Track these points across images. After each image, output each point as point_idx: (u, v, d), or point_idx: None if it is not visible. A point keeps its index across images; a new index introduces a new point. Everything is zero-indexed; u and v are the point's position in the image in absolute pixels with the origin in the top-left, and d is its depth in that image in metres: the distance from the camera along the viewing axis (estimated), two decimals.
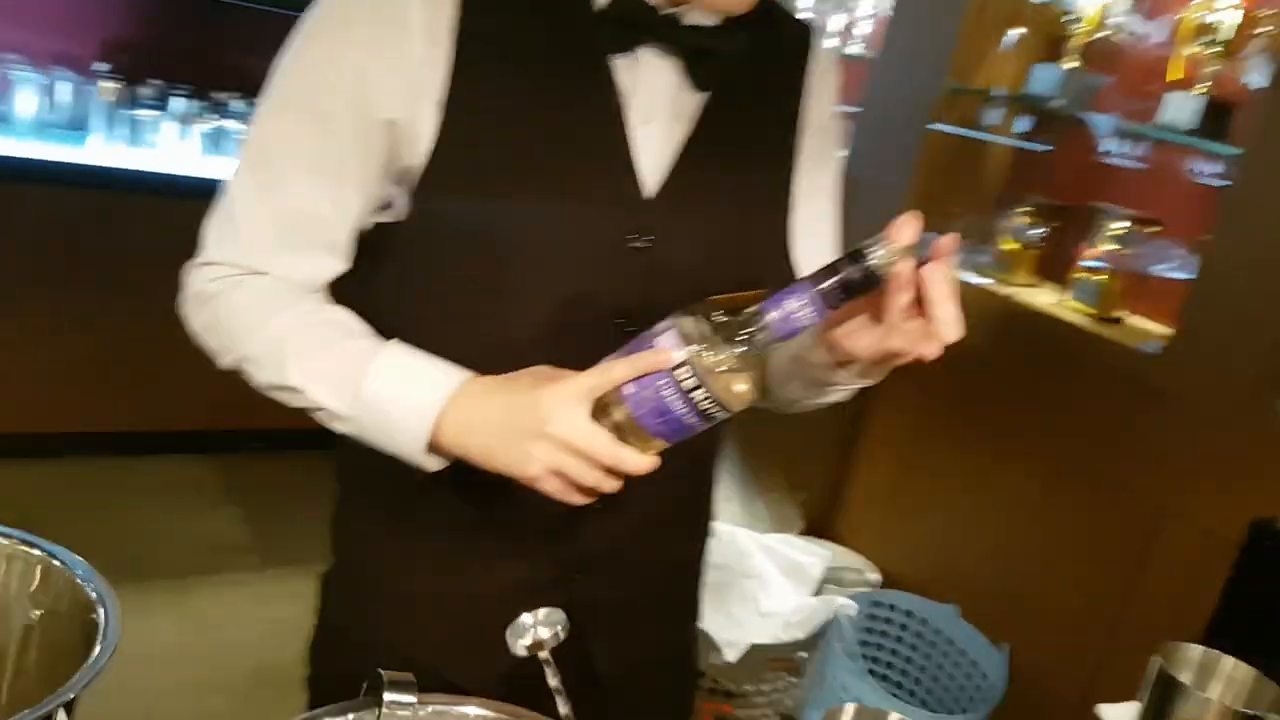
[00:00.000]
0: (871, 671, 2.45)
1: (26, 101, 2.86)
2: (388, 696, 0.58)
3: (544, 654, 0.59)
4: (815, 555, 2.46)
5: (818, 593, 2.41)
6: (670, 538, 1.10)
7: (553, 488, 0.82)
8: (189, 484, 3.19)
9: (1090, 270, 2.33)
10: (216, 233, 0.93)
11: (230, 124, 3.11)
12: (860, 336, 0.84)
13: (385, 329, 0.92)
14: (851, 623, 2.25)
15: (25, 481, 2.96)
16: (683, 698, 1.24)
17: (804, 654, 2.32)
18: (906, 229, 0.78)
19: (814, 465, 2.74)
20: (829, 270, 0.78)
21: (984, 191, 2.66)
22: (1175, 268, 2.28)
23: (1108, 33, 2.44)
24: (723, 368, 0.78)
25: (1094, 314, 2.28)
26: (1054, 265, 2.50)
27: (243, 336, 0.91)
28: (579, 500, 0.82)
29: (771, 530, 2.62)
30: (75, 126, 2.96)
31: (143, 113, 2.96)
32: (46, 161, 2.77)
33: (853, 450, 2.73)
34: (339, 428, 0.89)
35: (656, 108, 0.92)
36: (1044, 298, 2.40)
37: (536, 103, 0.89)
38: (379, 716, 0.59)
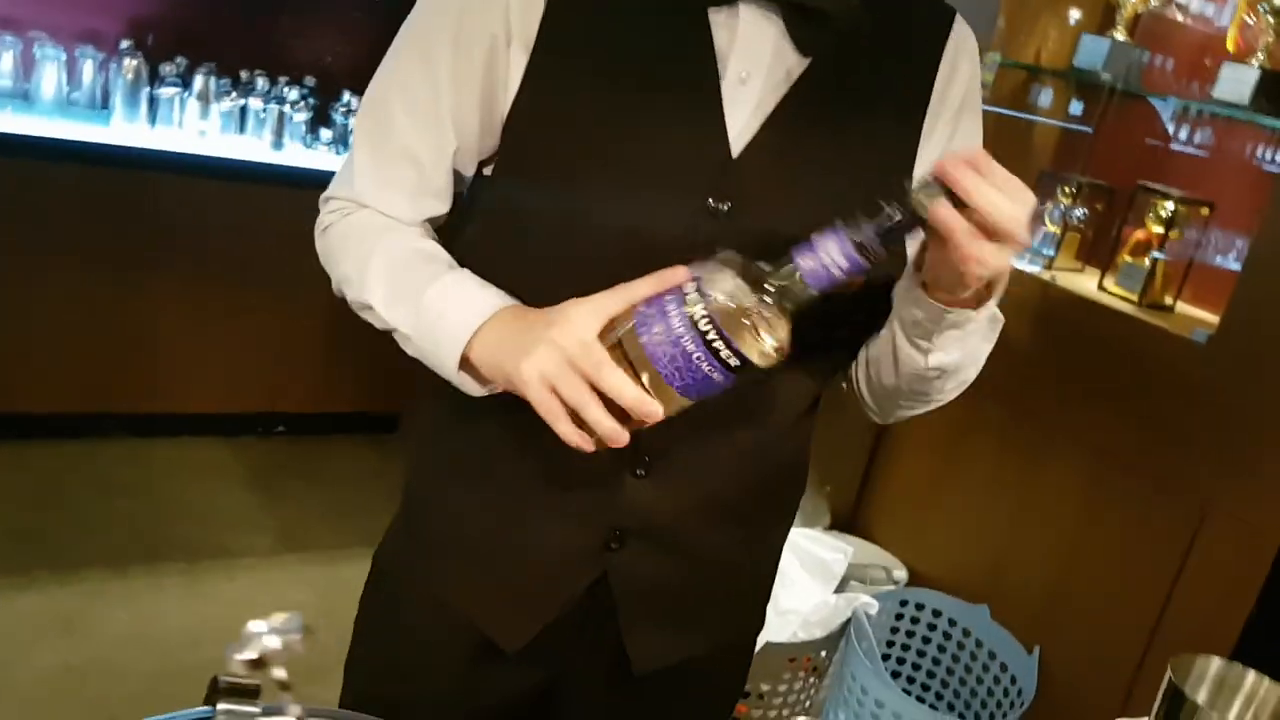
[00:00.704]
0: (896, 673, 2.35)
1: (50, 79, 2.85)
2: (222, 705, 0.50)
3: (279, 672, 0.52)
4: (839, 551, 2.36)
5: (840, 590, 2.31)
6: (731, 527, 1.02)
7: (539, 399, 0.79)
8: (208, 465, 3.17)
9: (1136, 254, 2.20)
10: (339, 171, 1.00)
11: (255, 103, 3.07)
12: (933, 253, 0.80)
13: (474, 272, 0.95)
14: (872, 621, 2.15)
15: (47, 460, 2.95)
16: (720, 707, 1.17)
17: (825, 653, 2.22)
18: (948, 166, 0.73)
19: (844, 457, 2.63)
20: (866, 214, 0.72)
21: (1028, 171, 2.53)
22: (1225, 254, 2.15)
23: (1158, 5, 2.30)
24: (743, 308, 0.73)
25: (1139, 301, 2.15)
26: (1099, 248, 2.37)
27: (339, 259, 0.97)
28: (567, 431, 0.79)
29: (799, 524, 2.52)
30: (99, 104, 2.94)
31: (166, 90, 2.94)
32: (71, 141, 2.75)
33: (883, 442, 2.62)
34: (406, 348, 0.93)
35: (754, 66, 0.88)
36: (1087, 283, 2.28)
37: (627, 52, 0.87)
38: None
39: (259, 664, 0.49)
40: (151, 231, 2.91)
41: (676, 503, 0.97)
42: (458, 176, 0.97)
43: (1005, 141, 2.52)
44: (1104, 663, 2.04)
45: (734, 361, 0.74)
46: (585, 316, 0.78)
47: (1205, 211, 2.17)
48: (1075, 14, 2.43)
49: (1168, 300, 2.18)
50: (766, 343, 0.74)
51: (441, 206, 0.98)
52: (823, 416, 2.74)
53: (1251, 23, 2.08)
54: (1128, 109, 2.42)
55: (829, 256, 0.72)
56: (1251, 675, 0.90)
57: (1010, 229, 0.75)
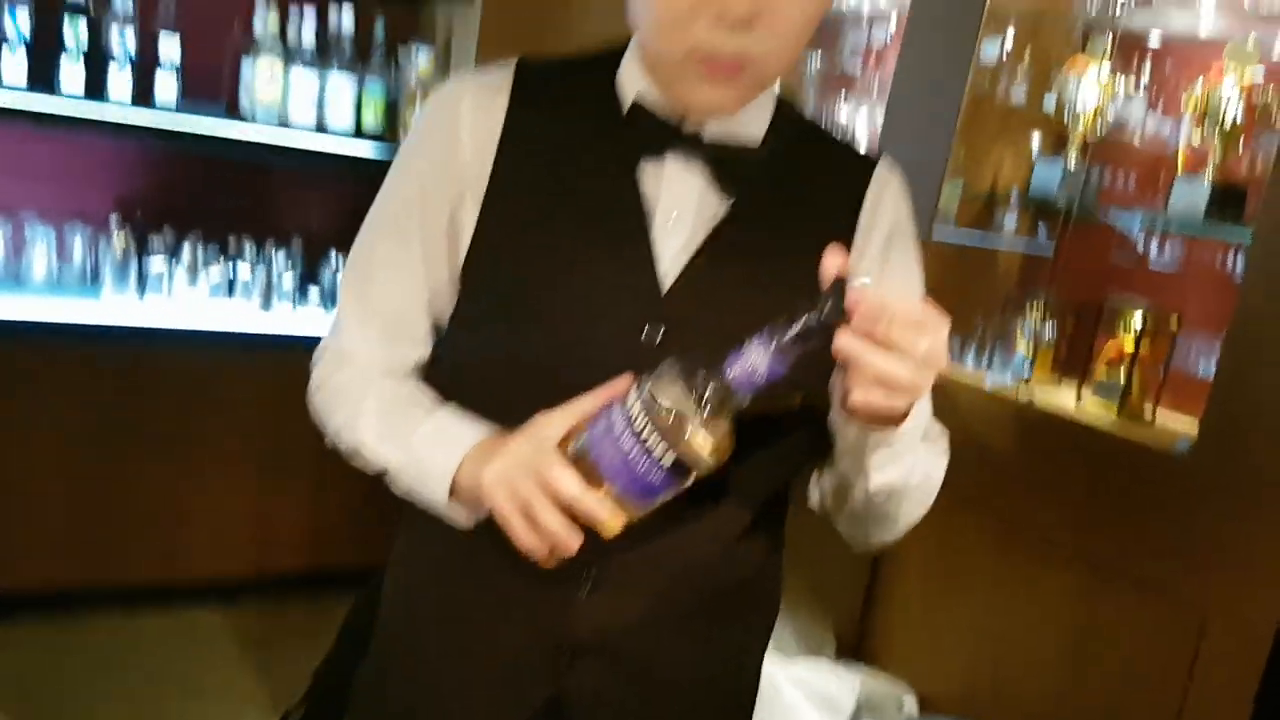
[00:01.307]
0: None
1: (41, 257, 2.91)
2: None
3: None
4: (846, 684, 2.33)
5: None
6: (687, 644, 1.03)
7: (496, 500, 0.86)
8: (201, 634, 3.11)
9: (1111, 365, 2.24)
10: (328, 333, 1.09)
11: (243, 267, 3.14)
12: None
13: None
14: None
15: (35, 638, 2.91)
16: None
17: None
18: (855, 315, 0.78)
19: (842, 583, 2.62)
20: (787, 319, 0.77)
21: (994, 294, 2.59)
22: (1200, 359, 2.19)
23: (1108, 127, 2.40)
24: (680, 411, 0.77)
25: (1119, 412, 2.18)
26: (1073, 360, 2.41)
27: (334, 411, 1.04)
28: (519, 531, 0.85)
29: (801, 654, 2.49)
30: (89, 279, 3.00)
31: (155, 262, 3.00)
32: (61, 324, 2.80)
33: (882, 566, 2.61)
34: (396, 486, 1.00)
35: (682, 209, 0.96)
36: (1066, 396, 2.31)
37: (567, 201, 0.96)
38: None
39: None
40: (140, 402, 2.94)
41: (626, 617, 0.98)
42: (435, 324, 1.05)
43: (970, 266, 2.60)
44: None
45: (668, 461, 0.78)
46: (545, 426, 0.86)
47: (1174, 321, 2.22)
48: (1033, 140, 2.54)
49: (1147, 411, 2.21)
50: (702, 443, 0.78)
51: (422, 351, 1.06)
52: (818, 545, 2.74)
53: (1198, 143, 2.17)
54: (1088, 228, 2.50)
55: (752, 359, 0.77)
56: None
57: (902, 387, 0.79)
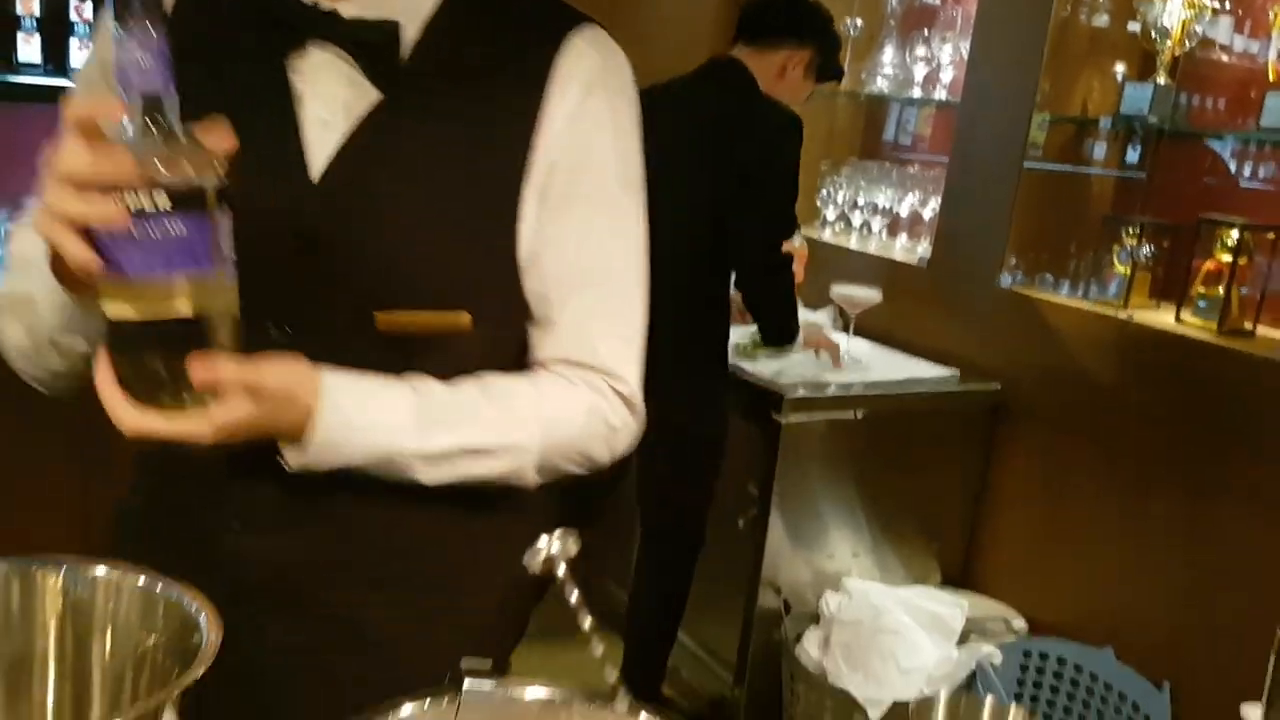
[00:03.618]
0: None
1: None
2: (467, 685, 0.61)
3: (559, 570, 0.62)
4: (955, 606, 2.39)
5: (960, 645, 2.33)
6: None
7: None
8: None
9: (1209, 285, 2.26)
10: None
11: None
12: None
13: None
14: (997, 672, 2.17)
15: None
16: None
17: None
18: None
19: (948, 513, 2.67)
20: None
21: (1089, 219, 2.61)
22: None
23: (1195, 46, 2.40)
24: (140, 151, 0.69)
25: (1217, 330, 2.20)
26: (1170, 284, 2.43)
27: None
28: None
29: (907, 583, 2.56)
30: None
31: None
32: None
33: (986, 495, 2.66)
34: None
35: (332, 103, 0.90)
36: (1164, 318, 2.33)
37: (219, 100, 0.82)
38: (458, 703, 0.61)
39: (548, 564, 0.60)
40: None
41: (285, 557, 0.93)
42: None
43: (1062, 194, 2.62)
44: (1236, 688, 2.03)
45: (164, 203, 0.69)
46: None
47: (1272, 237, 2.23)
48: (1119, 66, 2.54)
49: (1246, 326, 2.22)
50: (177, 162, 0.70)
51: None
52: (925, 474, 2.81)
53: None
54: (1180, 149, 2.50)
55: (133, 56, 0.69)
56: None
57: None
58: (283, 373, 0.81)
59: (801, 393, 2.41)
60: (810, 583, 2.51)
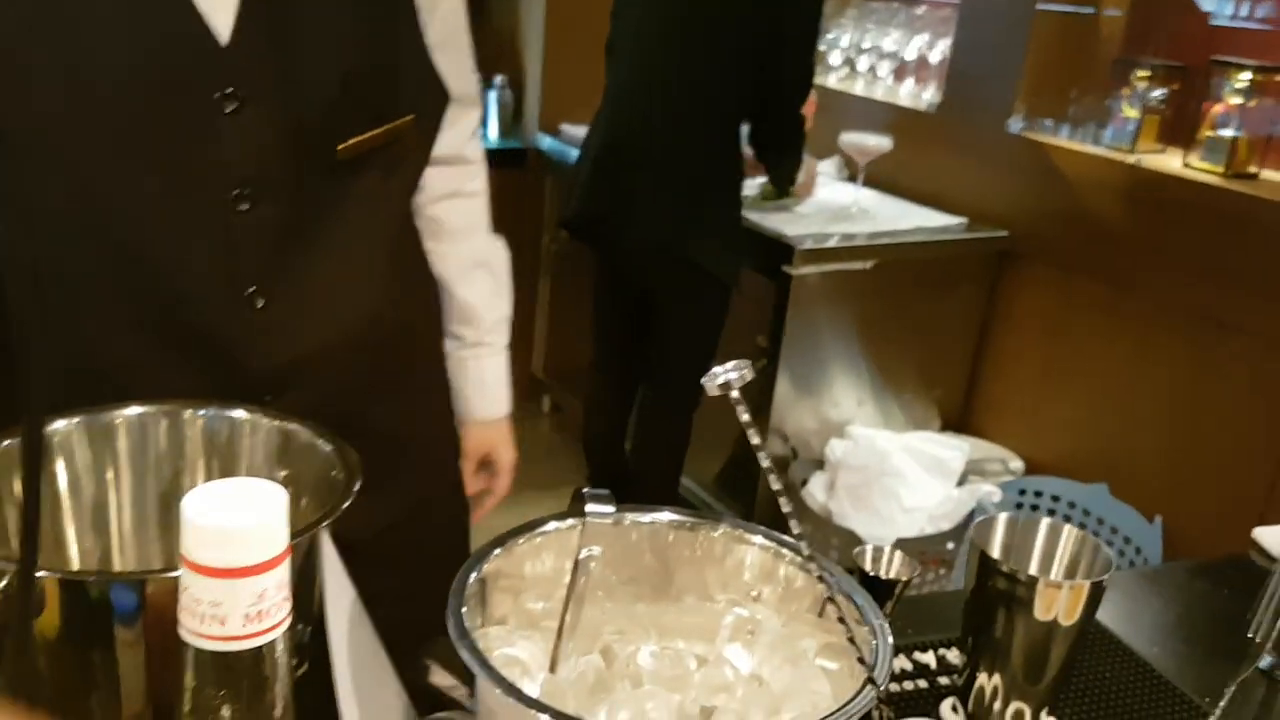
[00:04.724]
0: None
1: None
2: (589, 508, 0.66)
3: (734, 393, 0.67)
4: (955, 449, 2.48)
5: (960, 485, 2.43)
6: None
7: None
8: None
9: (1218, 128, 2.25)
10: None
11: None
12: None
13: None
14: (996, 510, 2.26)
15: None
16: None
17: (952, 545, 2.35)
18: None
19: (950, 360, 2.73)
20: None
21: (1100, 62, 2.57)
22: None
23: None
24: None
25: (1224, 172, 2.21)
26: (1178, 129, 2.42)
27: None
28: None
29: (909, 430, 2.64)
30: None
31: None
32: None
33: (989, 341, 2.72)
34: None
35: None
36: (1171, 162, 2.33)
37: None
38: (583, 527, 0.67)
39: (725, 387, 0.66)
40: None
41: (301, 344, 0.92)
42: None
43: (1071, 37, 2.57)
44: (1226, 520, 2.13)
45: None
46: None
47: None
48: None
49: (1252, 169, 2.23)
50: None
51: None
52: (925, 323, 2.84)
53: None
54: None
55: None
56: None
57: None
58: None
59: (811, 244, 2.43)
60: (816, 431, 2.59)
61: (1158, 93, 2.39)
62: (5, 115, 0.77)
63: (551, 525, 0.70)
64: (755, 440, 0.64)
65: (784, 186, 2.54)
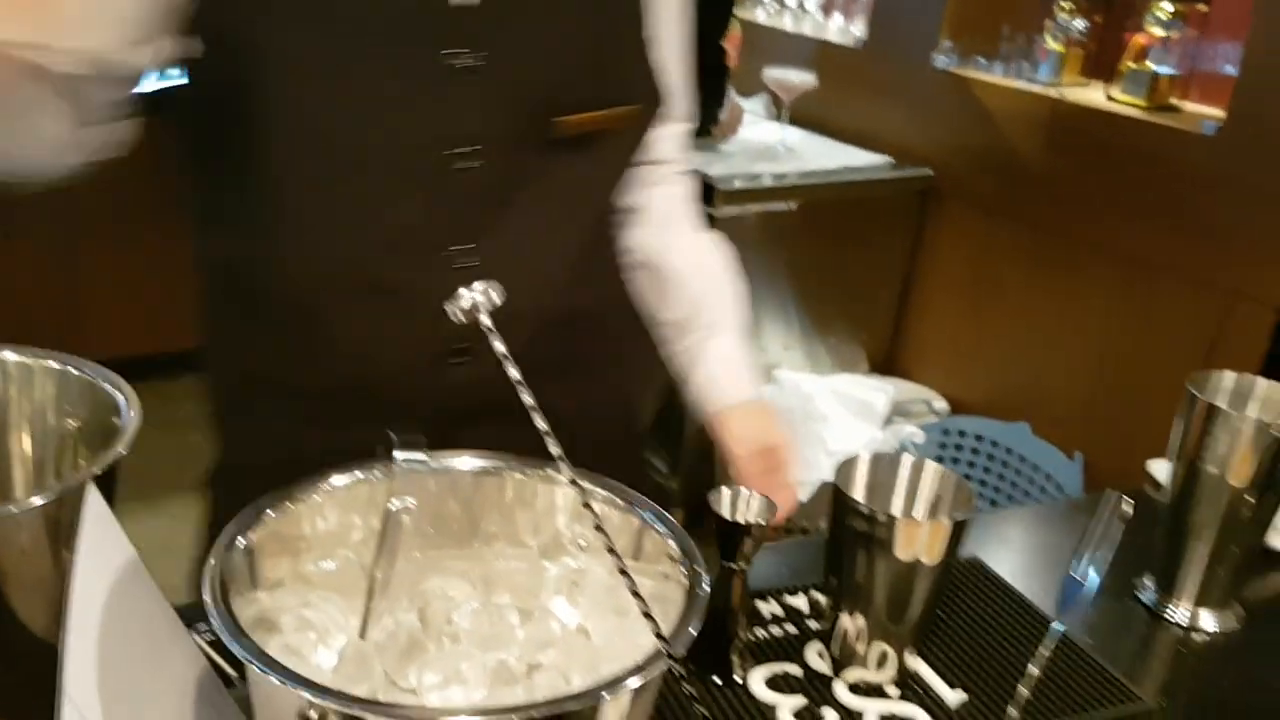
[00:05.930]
0: None
1: None
2: (398, 455, 0.61)
3: (483, 318, 0.60)
4: (880, 391, 2.46)
5: (885, 427, 2.41)
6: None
7: None
8: None
9: (1139, 60, 2.22)
10: None
11: None
12: None
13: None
14: (919, 451, 2.25)
15: None
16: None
17: None
18: None
19: (876, 302, 2.71)
20: None
21: None
22: (1226, 60, 2.16)
23: None
24: None
25: (1146, 105, 2.18)
26: (1101, 63, 2.38)
27: None
28: None
29: (835, 373, 2.61)
30: None
31: None
32: None
33: (914, 282, 2.69)
34: None
35: None
36: (1094, 95, 2.30)
37: None
38: (392, 475, 0.61)
39: (471, 313, 0.59)
40: None
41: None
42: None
43: None
44: (1142, 454, 2.13)
45: None
46: None
47: (1204, 8, 2.17)
48: None
49: (1173, 101, 2.20)
50: None
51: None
52: (852, 266, 2.80)
53: None
54: None
55: None
56: (1264, 382, 0.99)
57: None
58: None
59: (737, 185, 2.38)
60: None
61: (1080, 24, 2.36)
62: (247, 65, 0.79)
63: (339, 479, 0.65)
64: (514, 375, 0.59)
65: (705, 124, 2.48)
